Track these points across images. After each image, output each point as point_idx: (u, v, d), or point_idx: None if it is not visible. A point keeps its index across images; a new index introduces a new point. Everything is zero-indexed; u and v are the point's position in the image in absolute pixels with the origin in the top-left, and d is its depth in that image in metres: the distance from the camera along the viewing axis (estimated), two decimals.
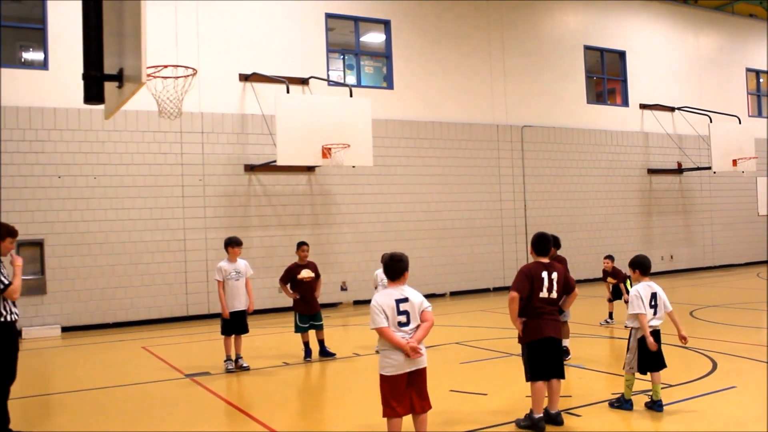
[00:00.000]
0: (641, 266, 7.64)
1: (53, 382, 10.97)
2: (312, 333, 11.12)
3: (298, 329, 11.02)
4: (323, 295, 17.07)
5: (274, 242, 17.54)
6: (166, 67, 8.00)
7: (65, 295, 15.50)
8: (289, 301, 10.91)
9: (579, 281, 21.07)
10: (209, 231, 16.81)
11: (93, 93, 7.21)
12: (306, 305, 10.99)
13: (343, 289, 18.26)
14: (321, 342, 11.14)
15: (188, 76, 8.18)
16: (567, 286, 7.02)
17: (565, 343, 10.29)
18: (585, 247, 22.47)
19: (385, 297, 5.94)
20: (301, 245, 11.21)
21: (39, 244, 15.39)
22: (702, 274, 24.42)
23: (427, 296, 19.77)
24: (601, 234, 23.23)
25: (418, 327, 5.93)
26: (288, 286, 11.12)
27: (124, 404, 8.78)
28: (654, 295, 7.41)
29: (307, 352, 11.00)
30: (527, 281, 6.78)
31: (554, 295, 6.87)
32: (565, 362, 9.83)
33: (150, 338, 14.18)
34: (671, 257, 24.96)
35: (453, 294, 20.17)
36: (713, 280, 22.59)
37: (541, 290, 6.80)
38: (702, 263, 25.92)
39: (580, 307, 16.31)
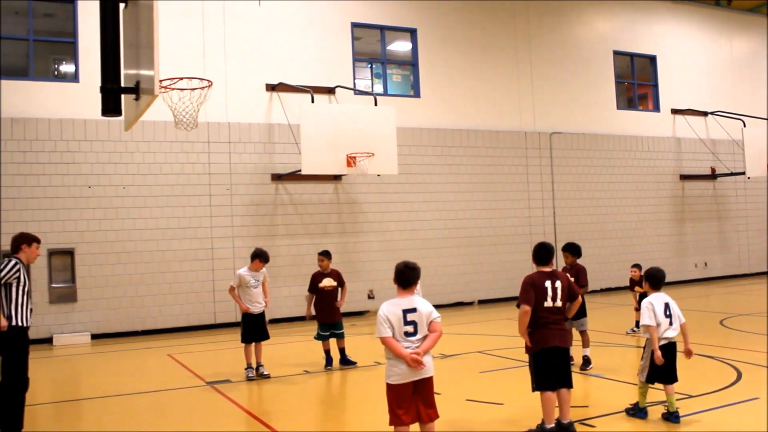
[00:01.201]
0: (652, 279, 7.59)
1: (80, 388, 11.18)
2: (333, 341, 11.16)
3: (318, 337, 11.08)
4: (349, 303, 17.18)
5: (301, 251, 17.63)
6: (181, 79, 8.13)
7: (95, 303, 15.75)
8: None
9: (610, 289, 21.18)
10: (236, 240, 16.97)
11: (110, 105, 7.37)
12: (326, 314, 11.02)
13: (370, 297, 18.29)
14: (342, 350, 11.16)
15: (204, 87, 8.30)
16: (571, 294, 6.95)
17: (586, 352, 10.19)
18: (616, 255, 22.22)
19: (392, 306, 5.94)
20: (320, 255, 11.25)
21: (70, 253, 15.67)
22: (737, 282, 23.97)
23: (455, 305, 19.72)
24: (632, 241, 22.94)
25: (426, 337, 5.91)
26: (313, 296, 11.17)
27: (144, 411, 8.91)
28: (667, 305, 7.32)
29: (328, 361, 11.04)
30: (532, 291, 6.75)
31: (559, 303, 6.81)
32: (585, 372, 9.83)
33: (177, 346, 14.34)
34: (705, 264, 24.57)
35: (481, 302, 20.08)
36: (748, 287, 22.17)
37: (546, 300, 6.75)
38: (737, 270, 25.43)
39: (607, 316, 16.19)
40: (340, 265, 15.90)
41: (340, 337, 11.12)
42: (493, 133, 20.79)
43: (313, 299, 11.08)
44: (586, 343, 10.25)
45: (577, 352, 10.36)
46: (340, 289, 11.22)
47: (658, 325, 7.24)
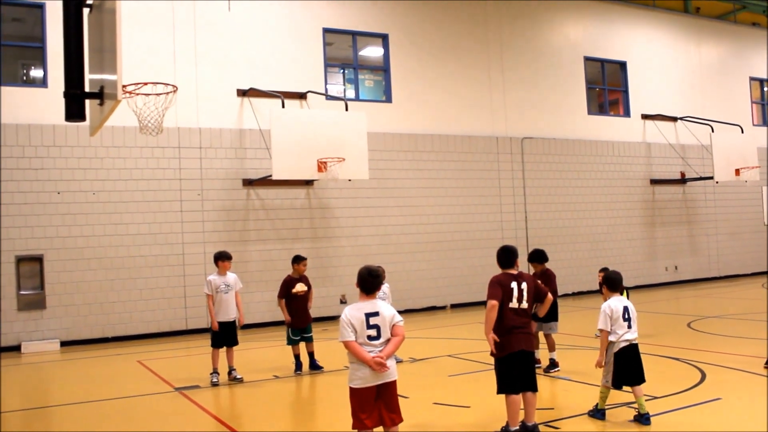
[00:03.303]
0: (609, 282, 7.71)
1: (48, 395, 11.07)
2: (302, 346, 11.17)
3: (290, 342, 11.08)
4: (321, 308, 17.22)
5: (272, 256, 17.59)
6: (146, 84, 8.11)
7: (64, 310, 15.60)
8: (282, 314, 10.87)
9: (580, 293, 21.33)
10: (208, 245, 16.87)
11: (74, 110, 7.32)
12: (299, 318, 11.04)
13: (342, 302, 18.27)
14: (311, 354, 11.18)
15: (168, 93, 8.28)
16: (538, 295, 7.02)
17: (552, 355, 10.24)
18: (587, 259, 22.41)
19: (355, 311, 5.95)
20: (302, 260, 11.28)
21: (38, 260, 15.52)
22: (706, 285, 24.28)
23: (428, 309, 19.71)
24: (603, 245, 23.16)
25: (388, 341, 5.94)
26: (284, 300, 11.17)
27: (111, 418, 8.85)
28: (626, 309, 7.41)
29: (298, 365, 11.04)
30: (500, 289, 6.79)
31: (524, 305, 6.86)
32: (551, 374, 9.90)
33: (147, 352, 14.24)
34: (675, 268, 24.84)
35: (454, 306, 20.16)
36: (717, 290, 22.46)
37: (511, 300, 6.80)
38: (707, 274, 25.76)
39: (577, 319, 16.32)
40: (312, 271, 15.88)
41: (309, 341, 11.15)
42: (465, 137, 20.90)
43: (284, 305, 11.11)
44: (551, 347, 10.30)
45: (542, 354, 10.42)
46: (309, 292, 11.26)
47: (616, 330, 7.34)
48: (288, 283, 11.18)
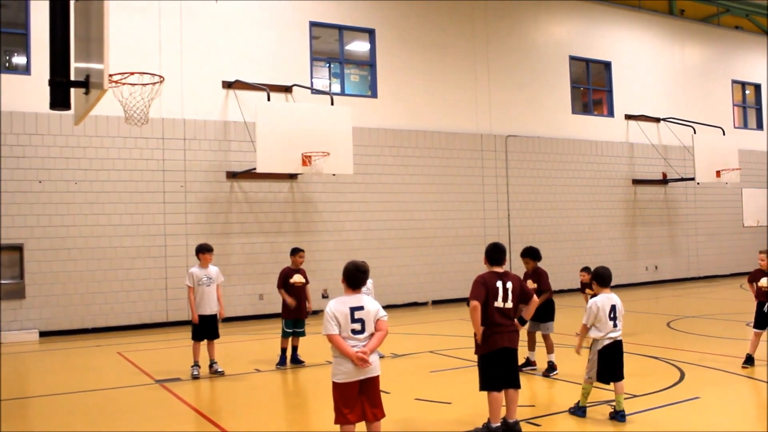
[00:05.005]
0: (599, 278, 7.71)
1: (27, 386, 10.96)
2: (290, 339, 11.17)
3: (284, 334, 11.07)
4: None
5: (255, 249, 17.55)
6: (132, 74, 8.05)
7: (44, 300, 15.47)
8: (269, 308, 10.83)
9: (561, 291, 21.44)
10: (190, 237, 16.79)
11: (59, 99, 7.26)
12: (294, 310, 11.04)
13: (324, 296, 18.24)
14: (294, 348, 11.18)
15: (155, 83, 8.23)
16: (523, 296, 7.04)
17: (551, 357, 10.08)
18: (569, 257, 22.51)
19: (339, 304, 5.95)
20: (298, 251, 11.36)
21: (18, 249, 15.37)
22: (685, 285, 24.49)
23: (409, 305, 19.70)
24: (585, 244, 23.29)
25: (372, 336, 5.94)
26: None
27: (91, 409, 8.79)
28: (613, 308, 7.46)
29: (282, 360, 11.02)
30: (483, 289, 6.81)
31: (509, 305, 6.88)
32: (549, 377, 9.79)
33: (127, 344, 14.16)
34: (656, 268, 25.04)
35: (435, 303, 20.20)
36: (696, 290, 22.66)
37: (496, 299, 6.82)
38: (686, 274, 25.99)
39: (559, 317, 16.35)
40: None
41: (299, 335, 11.16)
42: (450, 134, 20.93)
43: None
44: (549, 348, 10.05)
45: (540, 356, 10.32)
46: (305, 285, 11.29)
47: (601, 328, 7.39)
48: (286, 274, 11.20)
